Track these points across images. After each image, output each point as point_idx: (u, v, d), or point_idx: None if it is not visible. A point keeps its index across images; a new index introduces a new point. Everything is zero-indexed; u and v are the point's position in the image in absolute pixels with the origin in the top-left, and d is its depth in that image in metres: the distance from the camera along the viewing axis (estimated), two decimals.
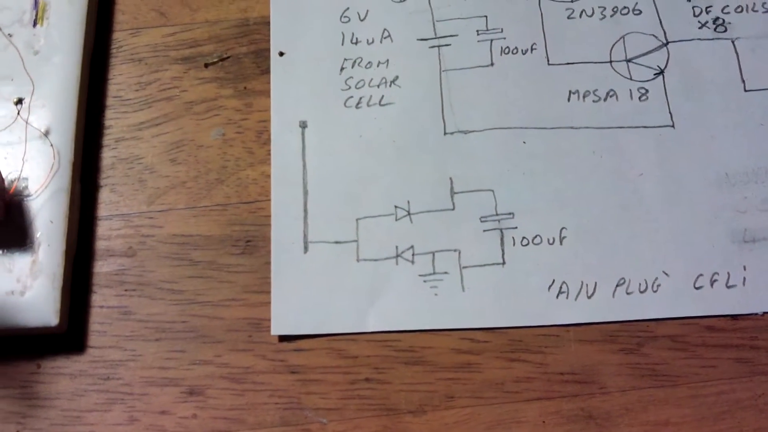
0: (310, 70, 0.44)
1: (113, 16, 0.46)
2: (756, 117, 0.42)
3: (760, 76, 0.43)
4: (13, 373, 0.39)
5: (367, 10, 0.45)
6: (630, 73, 0.43)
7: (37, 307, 0.39)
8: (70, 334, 0.40)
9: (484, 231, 0.41)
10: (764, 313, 0.39)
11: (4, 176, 0.40)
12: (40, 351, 0.39)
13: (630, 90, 0.43)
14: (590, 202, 0.41)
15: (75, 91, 0.43)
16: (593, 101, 0.43)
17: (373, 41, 0.45)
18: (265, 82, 0.44)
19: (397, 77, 0.44)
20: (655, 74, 0.43)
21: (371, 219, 0.41)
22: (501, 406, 0.38)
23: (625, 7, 0.45)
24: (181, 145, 0.43)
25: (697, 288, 0.39)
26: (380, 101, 0.43)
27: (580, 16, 0.45)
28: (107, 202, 0.42)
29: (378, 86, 0.44)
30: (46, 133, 0.42)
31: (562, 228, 0.40)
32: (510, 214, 0.41)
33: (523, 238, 0.40)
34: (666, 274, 0.40)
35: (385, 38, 0.45)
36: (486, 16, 0.45)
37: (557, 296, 0.39)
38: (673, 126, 0.42)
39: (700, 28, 0.44)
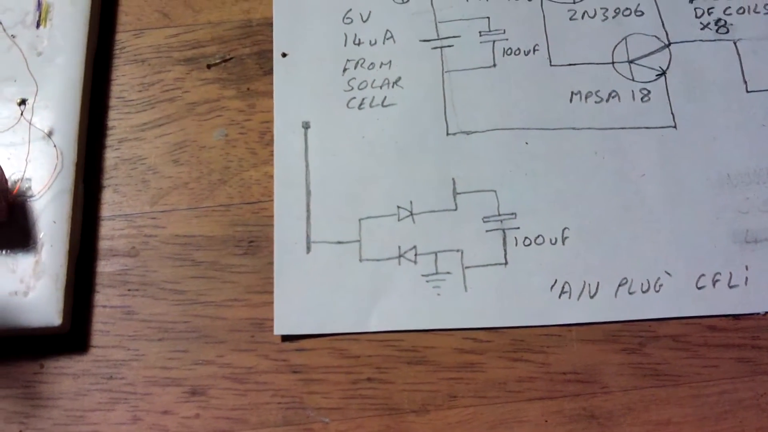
0: (312, 71, 0.44)
1: (116, 17, 0.46)
2: (758, 118, 0.42)
3: (762, 77, 0.43)
4: (17, 373, 0.39)
5: (370, 12, 0.45)
6: (632, 74, 0.43)
7: (40, 307, 0.39)
8: (73, 334, 0.40)
9: (487, 231, 0.41)
10: (766, 312, 0.39)
11: (7, 177, 0.40)
12: (43, 351, 0.39)
13: (632, 91, 0.43)
14: (592, 202, 0.41)
15: (78, 92, 0.43)
16: (595, 102, 0.43)
17: (375, 42, 0.45)
18: (268, 83, 0.44)
19: (399, 78, 0.44)
20: (657, 75, 0.43)
21: (374, 219, 0.41)
22: (503, 405, 0.38)
23: (627, 9, 0.45)
24: (183, 146, 0.43)
25: (699, 288, 0.39)
26: (383, 102, 0.43)
27: (582, 17, 0.45)
28: (110, 202, 0.42)
29: (380, 87, 0.44)
30: (50, 134, 0.42)
31: (565, 228, 0.41)
32: (512, 214, 0.41)
33: (526, 238, 0.40)
34: (668, 274, 0.40)
35: (387, 39, 0.45)
36: (488, 18, 0.45)
37: (559, 296, 0.39)
38: (675, 127, 0.42)
39: (702, 29, 0.44)
